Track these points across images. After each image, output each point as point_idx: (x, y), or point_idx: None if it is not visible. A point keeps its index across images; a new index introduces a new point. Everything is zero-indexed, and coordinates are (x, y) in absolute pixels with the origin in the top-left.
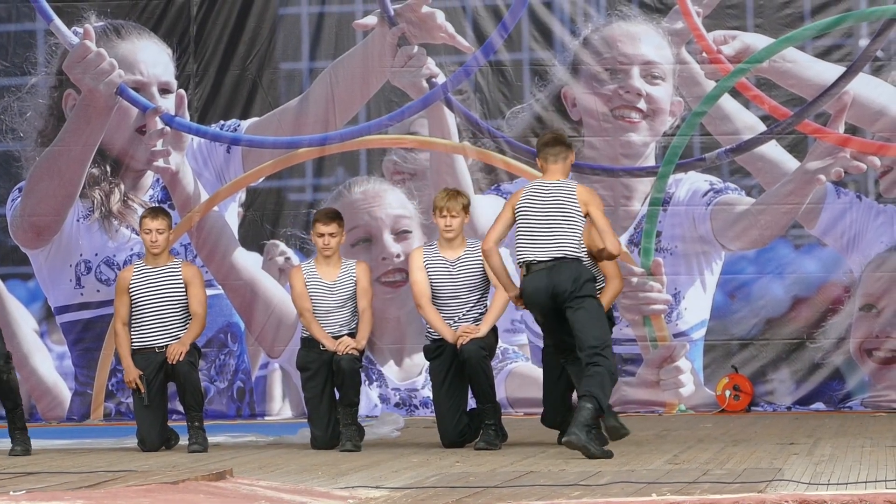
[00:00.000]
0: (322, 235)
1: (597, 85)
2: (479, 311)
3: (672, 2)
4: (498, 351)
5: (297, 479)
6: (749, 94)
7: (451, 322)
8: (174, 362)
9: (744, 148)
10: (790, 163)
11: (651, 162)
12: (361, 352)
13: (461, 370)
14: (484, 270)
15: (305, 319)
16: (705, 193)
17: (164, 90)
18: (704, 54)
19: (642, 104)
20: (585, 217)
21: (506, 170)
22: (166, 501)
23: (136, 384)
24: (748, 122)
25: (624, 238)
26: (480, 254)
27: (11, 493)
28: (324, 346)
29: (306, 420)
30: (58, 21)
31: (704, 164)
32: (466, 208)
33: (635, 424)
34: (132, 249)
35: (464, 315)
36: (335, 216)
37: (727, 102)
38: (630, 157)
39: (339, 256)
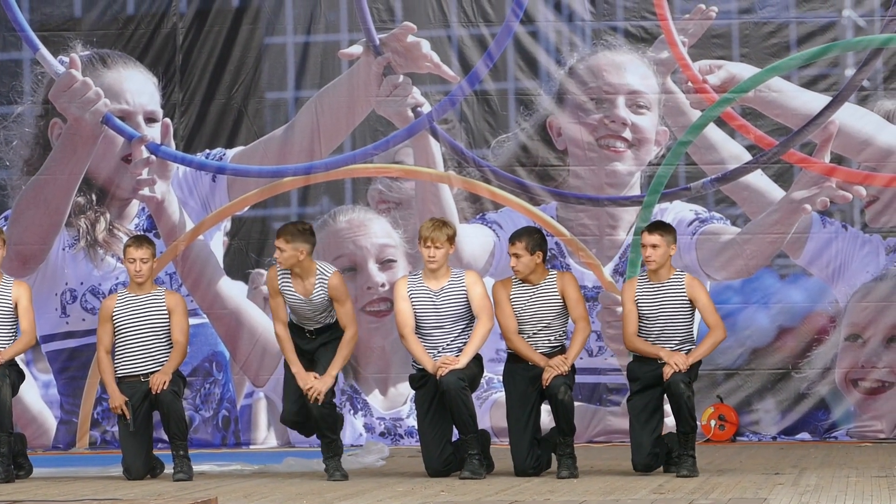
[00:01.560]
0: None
1: (582, 114)
2: (463, 340)
3: (657, 31)
4: (483, 380)
5: None
6: (734, 123)
7: (435, 352)
8: (157, 391)
9: (729, 177)
10: (776, 192)
11: (636, 191)
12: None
13: (443, 401)
14: (467, 301)
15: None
16: (690, 223)
17: (150, 119)
18: (690, 84)
19: (627, 133)
20: None
21: (491, 199)
22: None
23: (122, 410)
24: (734, 151)
25: (609, 267)
26: (464, 284)
27: None
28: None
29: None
30: (44, 50)
31: (690, 193)
32: (451, 239)
33: (620, 454)
34: (117, 278)
35: (448, 345)
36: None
37: (713, 132)
38: (615, 186)
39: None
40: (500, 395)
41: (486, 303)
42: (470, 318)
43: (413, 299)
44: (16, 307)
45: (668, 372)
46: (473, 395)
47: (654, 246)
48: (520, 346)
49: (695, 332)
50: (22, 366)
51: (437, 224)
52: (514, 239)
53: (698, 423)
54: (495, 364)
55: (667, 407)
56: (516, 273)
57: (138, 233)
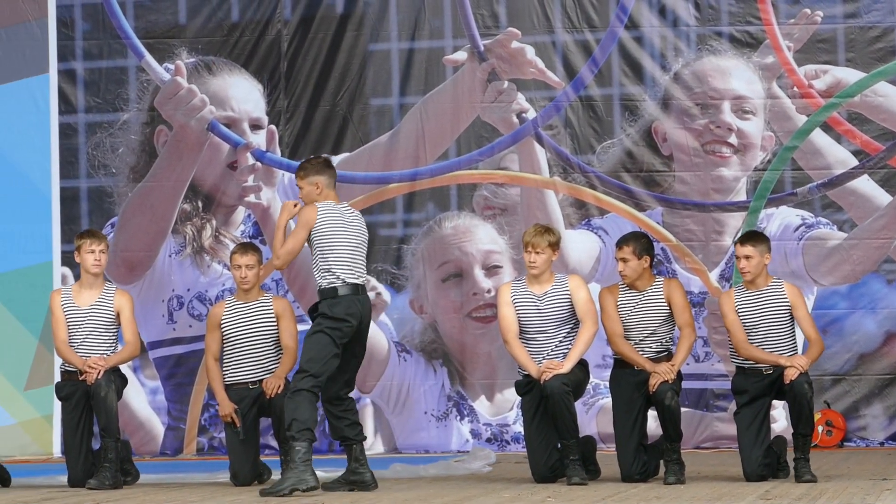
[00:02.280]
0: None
1: (687, 120)
2: (568, 345)
3: (763, 36)
4: (589, 386)
5: None
6: (840, 128)
7: (539, 357)
8: (272, 395)
9: (835, 182)
10: (882, 197)
11: (742, 197)
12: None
13: (548, 407)
14: (571, 305)
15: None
16: (797, 228)
17: (255, 126)
18: (795, 89)
19: (733, 139)
20: None
21: (596, 205)
22: None
23: (232, 418)
24: (840, 156)
25: (715, 273)
26: (568, 289)
27: None
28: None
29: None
30: (149, 57)
31: (796, 198)
32: (554, 245)
33: (727, 460)
34: (224, 285)
35: (552, 350)
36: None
37: (819, 137)
38: (721, 191)
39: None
40: (607, 400)
41: (591, 307)
42: (574, 322)
43: (517, 305)
44: (118, 316)
45: (792, 374)
46: (580, 401)
47: (747, 257)
48: (626, 350)
49: (798, 342)
50: (128, 372)
51: (539, 230)
52: (621, 243)
53: None
54: (602, 370)
55: (773, 413)
56: (624, 278)
57: (244, 239)
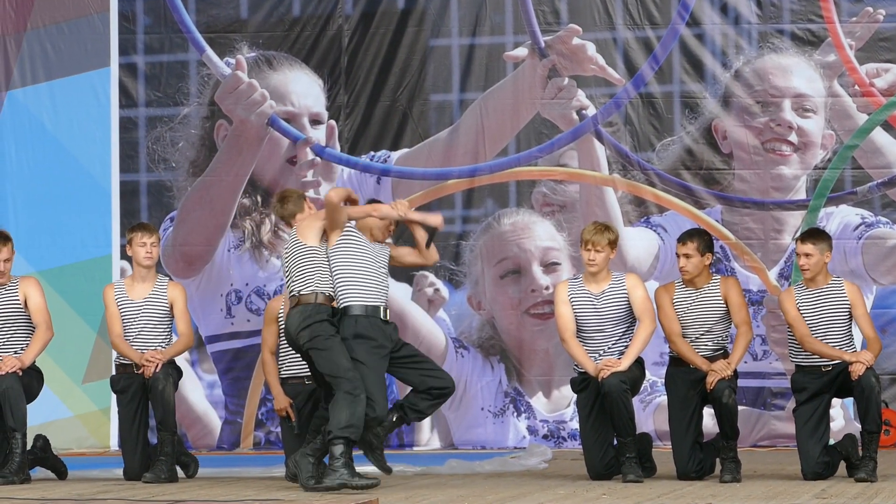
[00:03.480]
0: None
1: (748, 118)
2: (625, 343)
3: (824, 34)
4: (646, 384)
5: None
6: None
7: (596, 355)
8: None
9: (895, 182)
10: None
11: (802, 195)
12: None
13: (605, 404)
14: (628, 304)
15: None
16: (856, 227)
17: (315, 121)
18: (857, 87)
19: (794, 137)
20: None
21: (655, 202)
22: None
23: (287, 412)
24: None
25: (774, 271)
26: (625, 287)
27: None
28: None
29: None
30: (210, 52)
31: (856, 197)
32: (613, 243)
33: (784, 459)
34: (282, 279)
35: (609, 348)
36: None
37: (879, 135)
38: (781, 190)
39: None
40: (663, 398)
41: (648, 305)
42: (631, 321)
43: (574, 303)
44: (171, 308)
45: (859, 369)
46: (636, 399)
47: (807, 255)
48: (683, 349)
49: (854, 339)
50: (185, 366)
51: (598, 228)
52: (685, 239)
53: None
54: (658, 367)
55: (831, 411)
56: (684, 273)
57: None
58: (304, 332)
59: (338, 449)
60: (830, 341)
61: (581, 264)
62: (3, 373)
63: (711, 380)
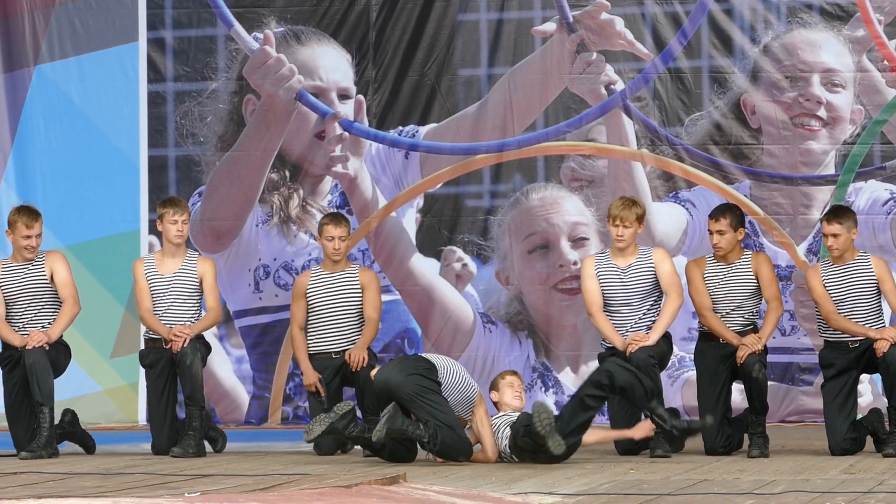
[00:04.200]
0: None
1: (777, 93)
2: (652, 318)
3: (853, 9)
4: (674, 359)
5: (470, 485)
6: None
7: (624, 330)
8: (357, 369)
9: None
10: None
11: (831, 170)
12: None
13: None
14: (656, 278)
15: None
16: (885, 202)
17: (343, 96)
18: (886, 62)
19: (822, 112)
20: None
21: (684, 177)
22: None
23: (316, 387)
24: None
25: (802, 247)
26: (652, 261)
27: (186, 494)
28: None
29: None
30: (238, 27)
31: (885, 172)
32: (641, 218)
33: (811, 434)
34: (310, 254)
35: (636, 323)
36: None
37: None
38: (809, 165)
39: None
40: (691, 373)
41: (676, 279)
42: (658, 295)
43: (601, 277)
44: (201, 283)
45: (883, 346)
46: (664, 374)
47: (835, 235)
48: (714, 323)
49: (883, 314)
50: (213, 341)
51: (626, 203)
52: (717, 215)
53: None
54: (687, 343)
55: (859, 387)
56: (718, 250)
57: (332, 210)
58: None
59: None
60: (858, 317)
61: (609, 239)
62: (30, 347)
63: (742, 354)
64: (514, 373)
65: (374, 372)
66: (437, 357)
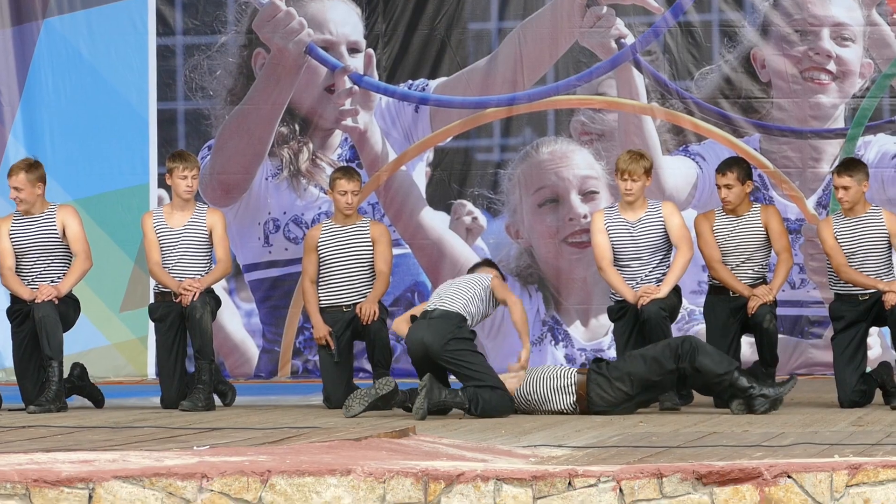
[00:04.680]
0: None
1: (786, 46)
2: (662, 271)
3: None
4: (684, 312)
5: (479, 438)
6: None
7: (634, 283)
8: (367, 322)
9: None
10: None
11: (840, 124)
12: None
13: (644, 331)
14: (665, 231)
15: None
16: (894, 156)
17: (353, 49)
18: (895, 16)
19: (832, 66)
20: None
21: (694, 131)
22: (349, 458)
23: (327, 340)
24: None
25: (812, 200)
26: (661, 214)
27: (195, 447)
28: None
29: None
30: None
31: (894, 126)
32: (648, 171)
33: (820, 387)
34: (320, 208)
35: (646, 276)
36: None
37: None
38: (819, 118)
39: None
40: (701, 326)
41: (685, 232)
42: (667, 248)
43: (610, 231)
44: (210, 236)
45: (892, 299)
46: (674, 327)
47: (845, 188)
48: (724, 275)
49: (894, 268)
50: (223, 294)
51: (634, 156)
52: (724, 169)
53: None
54: (697, 296)
55: (868, 340)
56: (726, 204)
57: (342, 163)
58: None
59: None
60: (868, 270)
61: (618, 193)
62: (40, 301)
63: (753, 304)
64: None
65: (402, 328)
66: (451, 292)
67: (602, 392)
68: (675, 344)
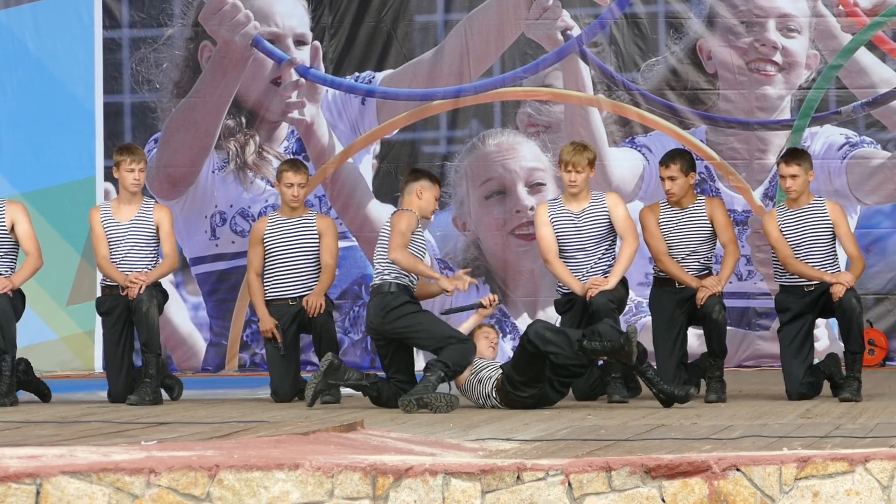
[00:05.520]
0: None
1: (732, 38)
2: (607, 263)
3: None
4: (631, 304)
5: (427, 431)
6: (886, 47)
7: (580, 275)
8: (314, 315)
9: (880, 101)
10: None
11: (786, 115)
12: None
13: (592, 323)
14: (610, 222)
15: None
16: (841, 147)
17: (299, 42)
18: (841, 7)
19: (778, 57)
20: None
21: (640, 122)
22: (297, 452)
23: (273, 333)
24: (884, 75)
25: (759, 191)
26: (605, 205)
27: (143, 442)
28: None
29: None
30: None
31: (840, 117)
32: (592, 163)
33: (768, 378)
34: (267, 201)
35: (592, 268)
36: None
37: (863, 56)
38: (765, 110)
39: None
40: (648, 319)
41: (630, 223)
42: (612, 239)
43: (555, 224)
44: (157, 230)
45: (839, 290)
46: (621, 319)
47: (793, 176)
48: (671, 267)
49: (838, 259)
50: (170, 288)
51: (577, 148)
52: (667, 161)
53: None
54: (644, 288)
55: (816, 332)
56: (671, 196)
57: (288, 156)
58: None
59: (434, 376)
60: (814, 262)
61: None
62: None
63: (702, 295)
64: (491, 326)
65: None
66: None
67: (514, 398)
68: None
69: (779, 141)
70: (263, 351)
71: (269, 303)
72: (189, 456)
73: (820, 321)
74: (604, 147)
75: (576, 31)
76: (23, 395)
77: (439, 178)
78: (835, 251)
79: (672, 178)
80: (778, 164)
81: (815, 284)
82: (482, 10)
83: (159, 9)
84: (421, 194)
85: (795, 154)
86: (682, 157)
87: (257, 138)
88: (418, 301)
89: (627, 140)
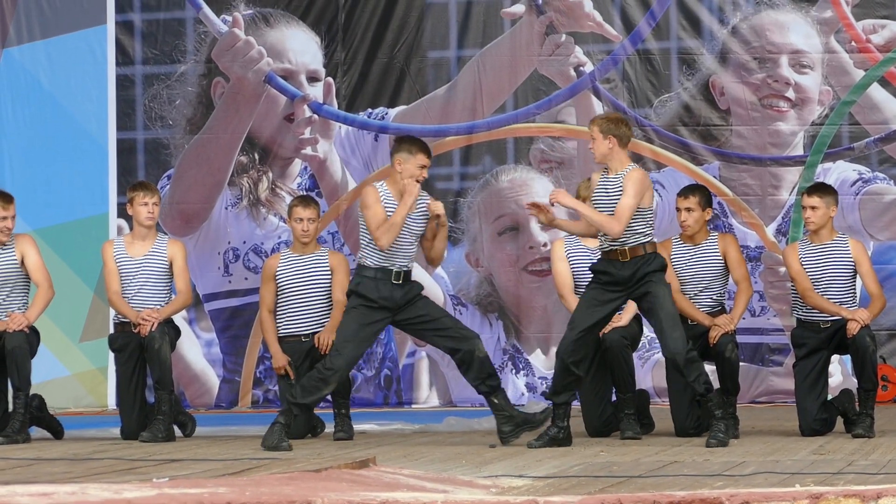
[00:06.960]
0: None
1: (745, 74)
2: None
3: None
4: (645, 340)
5: (440, 468)
6: None
7: None
8: (326, 352)
9: (892, 137)
10: None
11: (799, 151)
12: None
13: (605, 359)
14: None
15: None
16: (854, 183)
17: (313, 78)
18: (853, 43)
19: (791, 93)
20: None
21: (653, 158)
22: (309, 489)
23: (286, 370)
24: None
25: (772, 227)
26: None
27: (154, 479)
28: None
29: (451, 408)
30: (207, 9)
31: (853, 153)
32: None
33: (782, 415)
34: (280, 237)
35: None
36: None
37: (876, 92)
38: (778, 146)
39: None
40: (660, 355)
41: None
42: None
43: (571, 260)
44: (171, 266)
45: (854, 328)
46: (635, 355)
47: (813, 208)
48: (684, 305)
49: (857, 297)
50: (182, 324)
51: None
52: (686, 193)
53: None
54: None
55: (830, 368)
56: (686, 228)
57: (301, 192)
58: None
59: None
60: (832, 298)
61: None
62: (12, 330)
63: (715, 334)
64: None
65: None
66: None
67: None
68: None
69: (791, 177)
70: (276, 387)
71: (281, 339)
72: (201, 493)
73: (834, 357)
74: None
75: (588, 68)
76: (35, 431)
77: (457, 212)
78: (853, 288)
79: (689, 210)
80: (801, 195)
81: (831, 321)
82: (495, 47)
83: (172, 45)
84: (399, 166)
85: (819, 187)
86: (701, 192)
87: (270, 175)
88: (367, 297)
89: None
